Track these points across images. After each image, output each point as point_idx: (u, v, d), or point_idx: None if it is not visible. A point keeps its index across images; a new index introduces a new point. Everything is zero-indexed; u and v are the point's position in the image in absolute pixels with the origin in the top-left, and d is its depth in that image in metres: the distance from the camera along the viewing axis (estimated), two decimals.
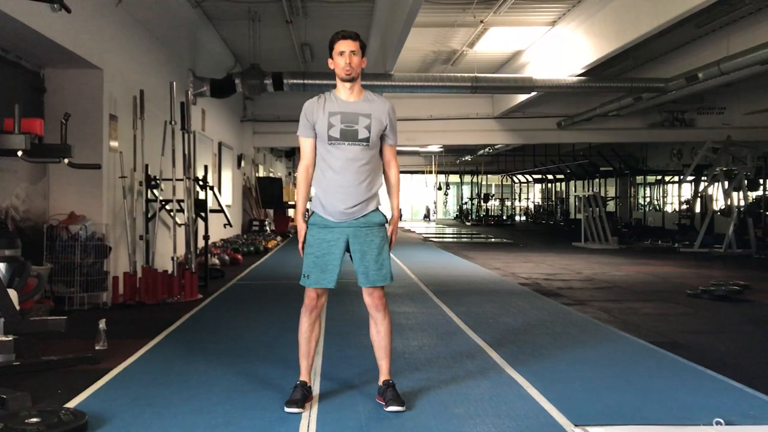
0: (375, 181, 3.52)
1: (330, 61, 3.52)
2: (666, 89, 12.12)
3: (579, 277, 9.73)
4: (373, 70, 12.84)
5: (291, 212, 20.73)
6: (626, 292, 8.27)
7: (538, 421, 3.24)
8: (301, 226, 3.53)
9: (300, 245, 3.53)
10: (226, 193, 14.73)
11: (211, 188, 9.05)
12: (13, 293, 4.23)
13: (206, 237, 8.35)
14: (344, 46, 3.44)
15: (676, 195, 25.65)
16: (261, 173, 20.40)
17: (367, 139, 3.41)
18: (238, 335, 5.34)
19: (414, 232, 22.59)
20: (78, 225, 6.55)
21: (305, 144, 3.52)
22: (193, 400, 3.55)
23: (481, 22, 11.11)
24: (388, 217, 3.61)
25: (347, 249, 3.46)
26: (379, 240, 3.49)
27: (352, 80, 3.46)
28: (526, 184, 38.15)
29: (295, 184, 29.66)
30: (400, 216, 3.55)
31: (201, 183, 8.37)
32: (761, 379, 4.06)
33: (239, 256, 11.32)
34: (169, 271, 7.25)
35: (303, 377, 3.50)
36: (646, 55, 13.08)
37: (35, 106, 6.63)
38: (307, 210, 3.55)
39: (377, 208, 3.54)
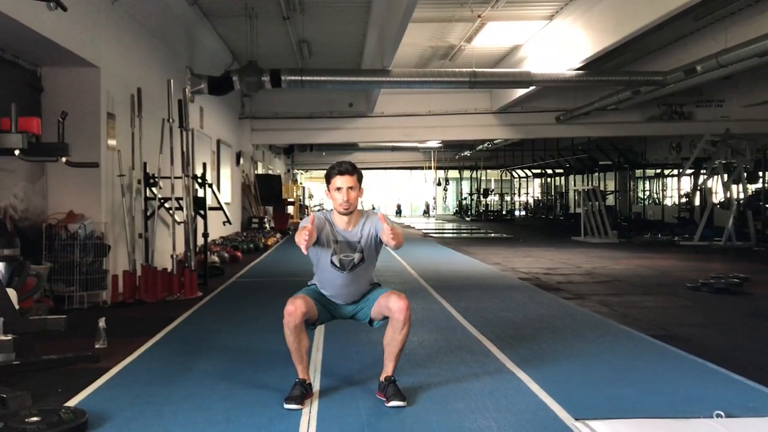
0: (369, 277, 3.73)
1: (326, 192, 3.64)
2: (664, 82, 12.10)
3: (579, 271, 9.73)
4: (371, 66, 12.83)
5: (290, 209, 20.74)
6: (626, 285, 8.27)
7: (539, 416, 3.24)
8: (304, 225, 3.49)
9: (298, 238, 3.43)
10: (225, 190, 14.71)
11: (210, 186, 9.03)
12: (12, 292, 4.23)
13: (205, 235, 8.34)
14: (341, 182, 3.51)
15: (675, 188, 25.66)
16: (260, 170, 20.39)
17: (362, 261, 3.59)
18: (238, 333, 5.34)
19: (414, 227, 22.58)
20: (77, 224, 6.54)
21: (307, 223, 3.39)
22: (193, 398, 3.55)
23: (479, 16, 11.09)
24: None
25: (344, 317, 3.74)
26: (376, 290, 3.70)
27: (349, 214, 3.56)
28: (525, 179, 38.13)
29: (293, 181, 29.61)
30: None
31: (200, 181, 8.36)
32: (761, 371, 4.06)
33: (239, 254, 11.32)
34: (169, 269, 7.24)
35: (301, 376, 3.50)
36: (644, 49, 13.06)
37: (32, 104, 6.62)
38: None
39: (371, 285, 3.74)
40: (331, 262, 3.57)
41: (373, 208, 3.69)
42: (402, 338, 3.46)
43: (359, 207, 3.65)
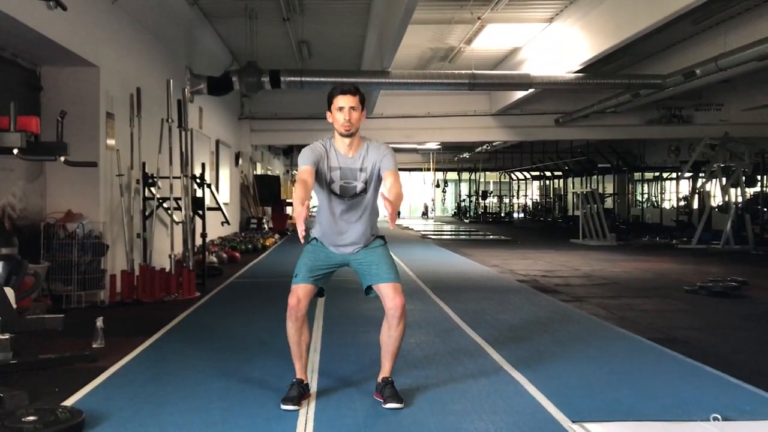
0: (373, 220, 3.60)
1: (329, 114, 3.54)
2: (663, 86, 12.12)
3: (577, 273, 9.74)
4: (371, 68, 12.84)
5: (289, 210, 20.71)
6: (624, 288, 8.28)
7: (536, 418, 3.24)
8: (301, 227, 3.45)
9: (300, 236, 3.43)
10: (224, 190, 14.71)
11: (209, 186, 9.04)
12: (10, 291, 4.22)
13: (204, 235, 8.34)
14: (343, 101, 3.45)
15: (673, 191, 25.67)
16: (259, 171, 20.39)
17: (365, 190, 3.50)
18: (236, 333, 5.34)
19: (412, 229, 22.59)
20: (75, 223, 6.54)
21: (306, 169, 3.37)
22: (191, 398, 3.55)
23: (479, 18, 11.11)
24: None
25: (345, 265, 3.57)
26: (382, 251, 3.57)
27: (351, 135, 3.49)
28: (524, 181, 38.15)
29: (293, 182, 29.60)
30: (400, 204, 3.46)
31: (198, 181, 8.36)
32: (758, 375, 4.06)
33: (237, 254, 11.32)
34: (167, 269, 7.24)
35: (299, 375, 3.49)
36: (643, 52, 13.08)
37: (31, 103, 6.61)
38: (308, 231, 3.45)
39: (375, 236, 3.61)
40: (331, 189, 3.46)
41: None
42: (397, 335, 3.45)
43: (361, 134, 3.54)
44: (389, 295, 3.41)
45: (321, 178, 3.46)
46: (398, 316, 3.39)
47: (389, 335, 3.45)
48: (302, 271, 3.49)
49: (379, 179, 3.50)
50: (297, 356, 3.48)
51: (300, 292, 3.41)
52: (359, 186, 3.48)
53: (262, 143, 19.88)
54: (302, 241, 3.30)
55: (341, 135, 3.48)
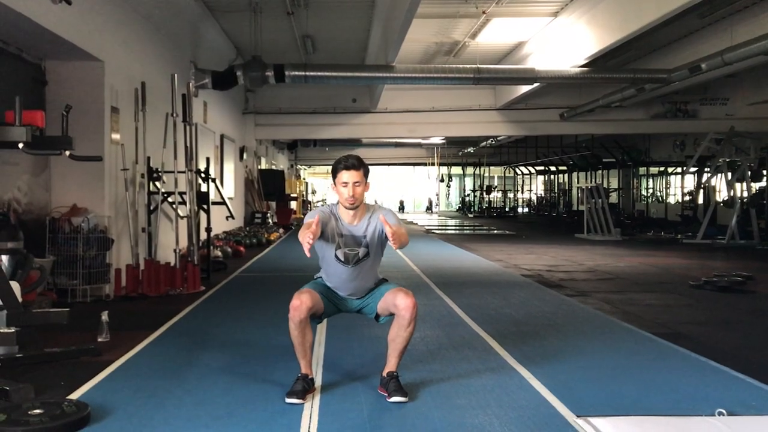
0: (374, 273, 3.71)
1: (332, 186, 3.62)
2: (669, 80, 12.06)
3: (581, 268, 9.73)
4: (375, 62, 12.81)
5: (293, 204, 20.73)
6: (628, 283, 8.26)
7: (541, 412, 3.24)
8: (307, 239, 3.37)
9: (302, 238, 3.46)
10: (228, 185, 14.71)
11: (213, 180, 9.04)
12: (15, 285, 4.24)
13: (208, 229, 8.35)
14: (347, 177, 3.49)
15: (678, 186, 25.60)
16: (263, 165, 20.38)
17: (366, 255, 3.58)
18: (241, 327, 5.35)
19: (416, 224, 22.58)
20: (80, 217, 6.55)
21: (312, 221, 3.37)
22: (196, 392, 3.56)
23: (484, 12, 11.07)
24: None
25: (348, 311, 3.73)
26: (382, 285, 3.70)
27: (355, 209, 3.54)
28: (528, 176, 38.08)
29: (297, 177, 29.59)
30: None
31: (203, 175, 8.36)
32: (763, 370, 4.05)
33: (242, 249, 11.34)
34: (172, 264, 7.25)
35: (304, 370, 3.51)
36: (649, 46, 13.02)
37: (36, 98, 6.62)
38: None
39: (377, 284, 3.73)
40: (336, 256, 3.55)
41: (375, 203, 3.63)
42: (407, 335, 3.47)
43: (365, 201, 3.64)
44: (399, 295, 3.47)
45: (326, 238, 3.54)
46: (410, 316, 3.42)
47: (398, 334, 3.47)
48: (312, 286, 3.62)
49: (381, 240, 3.59)
50: (301, 354, 3.50)
51: (304, 296, 3.44)
52: (362, 252, 3.56)
53: (266, 138, 19.86)
54: (307, 254, 3.27)
55: (346, 208, 3.55)
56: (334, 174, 3.56)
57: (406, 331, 3.45)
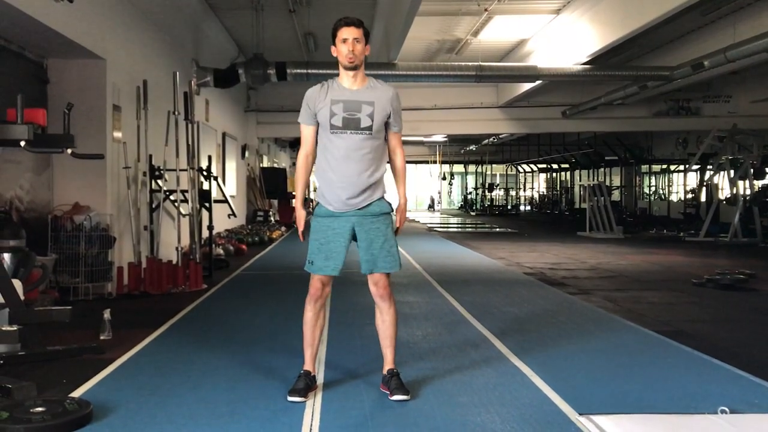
0: (378, 170, 3.47)
1: (333, 48, 3.46)
2: (671, 77, 12.05)
3: (584, 266, 9.71)
4: (377, 60, 12.80)
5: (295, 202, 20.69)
6: (631, 281, 8.25)
7: (543, 410, 3.24)
8: (300, 214, 3.57)
9: (300, 232, 3.60)
10: (230, 183, 14.72)
11: (215, 178, 9.04)
12: (17, 283, 4.24)
13: (210, 227, 8.35)
14: (347, 33, 3.38)
15: (681, 184, 25.57)
16: (265, 163, 20.39)
17: (369, 128, 3.38)
18: (243, 325, 5.35)
19: (418, 222, 22.57)
20: (82, 215, 6.56)
21: (306, 131, 3.52)
22: (198, 390, 3.56)
23: (486, 10, 11.06)
24: (394, 205, 3.59)
25: (354, 238, 3.44)
26: (385, 227, 3.47)
27: (355, 68, 3.41)
28: (530, 174, 38.05)
29: None
30: (407, 203, 3.55)
31: (205, 173, 8.37)
32: (766, 368, 4.04)
33: (244, 247, 11.35)
34: (174, 262, 7.26)
35: (307, 366, 3.50)
36: (651, 43, 13.00)
37: (38, 96, 6.62)
38: (312, 200, 3.55)
39: (382, 197, 3.51)
40: (332, 124, 3.35)
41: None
42: (390, 319, 3.47)
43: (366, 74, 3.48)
44: (372, 283, 3.47)
45: (321, 123, 3.41)
46: (386, 300, 3.44)
47: (383, 320, 3.50)
48: (316, 258, 3.41)
49: (386, 124, 3.48)
50: (309, 342, 3.49)
51: (318, 280, 3.44)
52: (364, 119, 3.36)
53: (268, 136, 19.86)
54: (302, 239, 3.39)
55: (345, 68, 3.42)
56: (334, 33, 3.42)
57: (388, 315, 3.47)
